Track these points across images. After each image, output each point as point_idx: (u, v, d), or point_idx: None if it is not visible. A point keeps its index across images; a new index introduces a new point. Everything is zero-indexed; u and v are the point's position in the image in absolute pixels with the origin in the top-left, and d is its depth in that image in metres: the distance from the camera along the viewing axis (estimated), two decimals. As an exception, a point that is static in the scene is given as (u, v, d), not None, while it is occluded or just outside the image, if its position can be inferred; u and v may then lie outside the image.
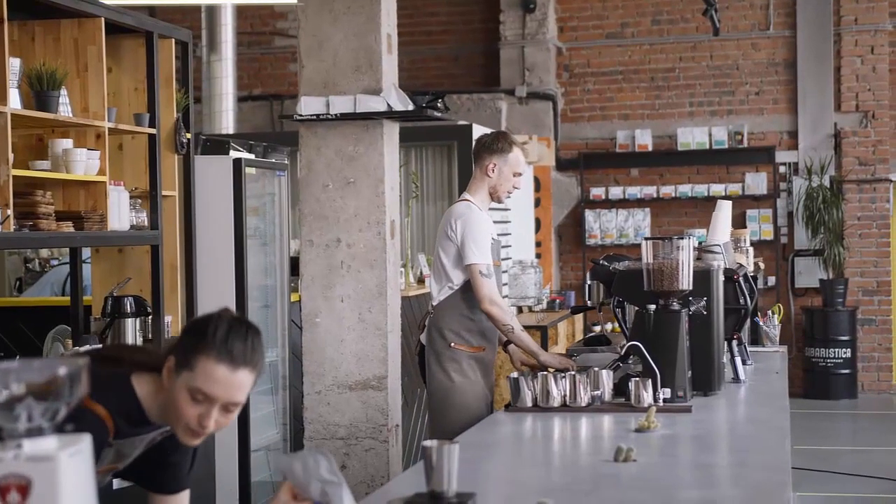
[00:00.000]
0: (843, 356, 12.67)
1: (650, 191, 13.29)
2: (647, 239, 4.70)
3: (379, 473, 5.80)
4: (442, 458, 2.81)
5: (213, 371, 2.69)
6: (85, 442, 1.87)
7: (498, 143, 5.48)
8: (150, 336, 5.87)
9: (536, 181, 12.66)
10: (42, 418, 1.85)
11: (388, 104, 5.77)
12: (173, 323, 6.12)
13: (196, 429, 2.74)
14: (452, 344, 5.40)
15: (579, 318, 11.39)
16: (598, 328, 10.71)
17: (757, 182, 13.10)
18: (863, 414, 12.24)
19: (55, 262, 8.88)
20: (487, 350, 5.47)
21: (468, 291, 5.34)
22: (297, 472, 2.48)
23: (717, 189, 13.03)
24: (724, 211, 5.90)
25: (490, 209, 5.56)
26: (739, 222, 12.78)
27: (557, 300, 11.13)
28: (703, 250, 5.45)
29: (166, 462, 3.00)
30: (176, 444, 2.91)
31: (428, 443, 2.81)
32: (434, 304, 5.49)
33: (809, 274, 13.04)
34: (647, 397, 4.38)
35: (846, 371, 12.70)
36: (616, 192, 13.36)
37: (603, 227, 13.40)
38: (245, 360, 2.72)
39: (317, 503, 2.46)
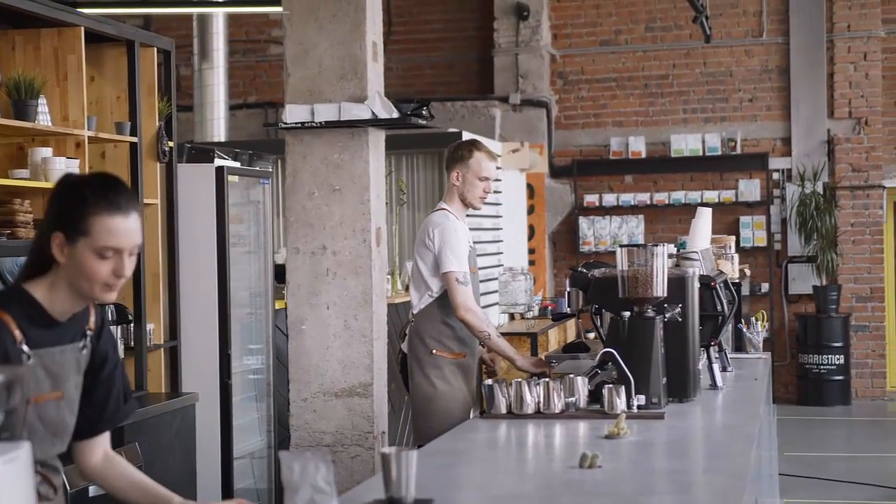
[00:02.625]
0: (837, 362, 12.66)
1: (644, 198, 13.29)
2: (622, 246, 4.71)
3: (365, 480, 5.80)
4: (400, 464, 2.84)
5: (109, 225, 2.80)
6: (23, 449, 1.89)
7: (458, 151, 5.54)
8: (132, 344, 5.89)
9: (530, 188, 12.68)
10: (-23, 426, 1.87)
11: (373, 112, 5.78)
12: (155, 331, 6.13)
13: (112, 282, 2.85)
14: (434, 351, 5.44)
15: (572, 324, 11.38)
16: (592, 335, 10.68)
17: (750, 189, 13.10)
18: (856, 420, 12.23)
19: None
20: (468, 356, 5.51)
21: (447, 299, 5.37)
22: (294, 471, 2.49)
23: (711, 196, 13.03)
24: (704, 218, 5.92)
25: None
26: (733, 229, 12.79)
27: (549, 307, 11.11)
28: (680, 257, 5.46)
29: (100, 379, 3.06)
30: (99, 338, 3.03)
31: (385, 450, 2.85)
32: (414, 312, 5.54)
33: (803, 280, 13.04)
34: (621, 404, 4.39)
35: (839, 377, 12.70)
36: (610, 199, 13.36)
37: (597, 234, 13.40)
38: (130, 205, 2.85)
39: None
